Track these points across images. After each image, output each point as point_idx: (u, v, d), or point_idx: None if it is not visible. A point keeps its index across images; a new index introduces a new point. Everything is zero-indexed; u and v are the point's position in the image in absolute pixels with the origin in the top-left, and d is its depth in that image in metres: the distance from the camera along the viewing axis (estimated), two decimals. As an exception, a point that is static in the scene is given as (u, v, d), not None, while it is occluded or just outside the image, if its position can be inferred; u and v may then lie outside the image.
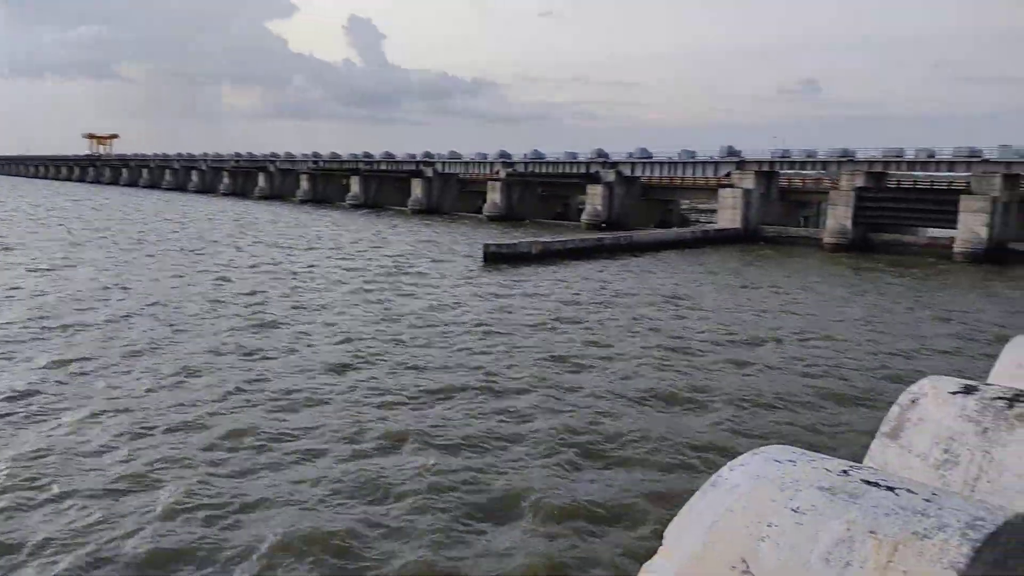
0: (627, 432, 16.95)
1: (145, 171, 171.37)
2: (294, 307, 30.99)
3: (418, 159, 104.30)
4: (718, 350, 25.24)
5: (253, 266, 43.58)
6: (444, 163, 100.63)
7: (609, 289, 38.11)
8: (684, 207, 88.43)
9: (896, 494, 2.15)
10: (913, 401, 3.19)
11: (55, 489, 13.53)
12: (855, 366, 23.57)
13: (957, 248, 54.88)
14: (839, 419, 18.32)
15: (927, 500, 2.11)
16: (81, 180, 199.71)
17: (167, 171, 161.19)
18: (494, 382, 20.66)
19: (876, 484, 2.22)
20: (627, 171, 79.43)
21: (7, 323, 26.36)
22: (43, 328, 25.71)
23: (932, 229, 60.62)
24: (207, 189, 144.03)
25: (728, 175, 70.64)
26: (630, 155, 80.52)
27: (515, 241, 52.25)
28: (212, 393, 19.12)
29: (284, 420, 17.33)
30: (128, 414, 17.45)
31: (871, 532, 2.01)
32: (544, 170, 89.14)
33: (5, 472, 14.16)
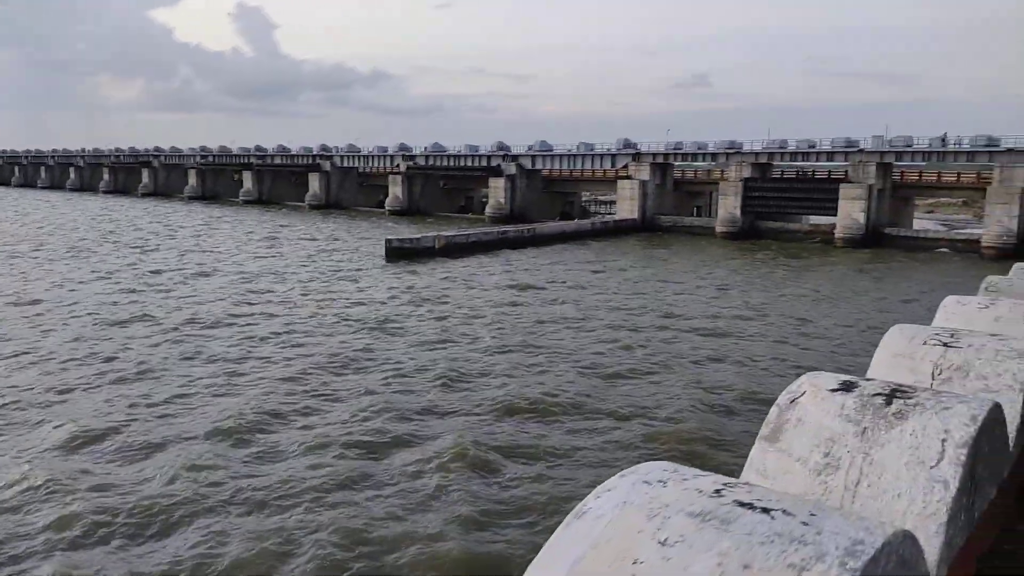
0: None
1: (17, 169, 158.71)
2: (187, 319, 29.31)
3: (315, 153, 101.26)
4: (615, 336, 25.59)
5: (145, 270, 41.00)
6: (343, 157, 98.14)
7: (516, 281, 38.08)
8: (585, 199, 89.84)
9: (772, 517, 1.94)
10: (792, 401, 3.04)
11: None
12: (746, 354, 24.42)
13: (838, 234, 58.13)
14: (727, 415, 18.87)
15: (804, 523, 1.90)
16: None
17: (42, 168, 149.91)
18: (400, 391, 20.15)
19: (751, 506, 2.00)
20: (528, 164, 79.84)
21: None
22: None
23: (814, 216, 64.03)
24: (86, 187, 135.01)
25: (625, 167, 72.19)
26: (530, 148, 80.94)
27: (418, 236, 51.47)
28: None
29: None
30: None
31: (745, 567, 1.78)
32: (445, 163, 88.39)
33: None
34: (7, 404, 18.09)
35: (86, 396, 18.77)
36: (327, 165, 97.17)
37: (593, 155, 76.77)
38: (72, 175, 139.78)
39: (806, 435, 2.87)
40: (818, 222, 63.18)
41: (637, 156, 71.66)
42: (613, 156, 74.50)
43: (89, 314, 28.32)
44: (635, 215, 68.27)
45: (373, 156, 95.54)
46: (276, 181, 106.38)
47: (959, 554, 2.58)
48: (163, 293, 33.22)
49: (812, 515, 1.95)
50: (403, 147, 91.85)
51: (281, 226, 69.40)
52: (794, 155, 66.28)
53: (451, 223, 72.08)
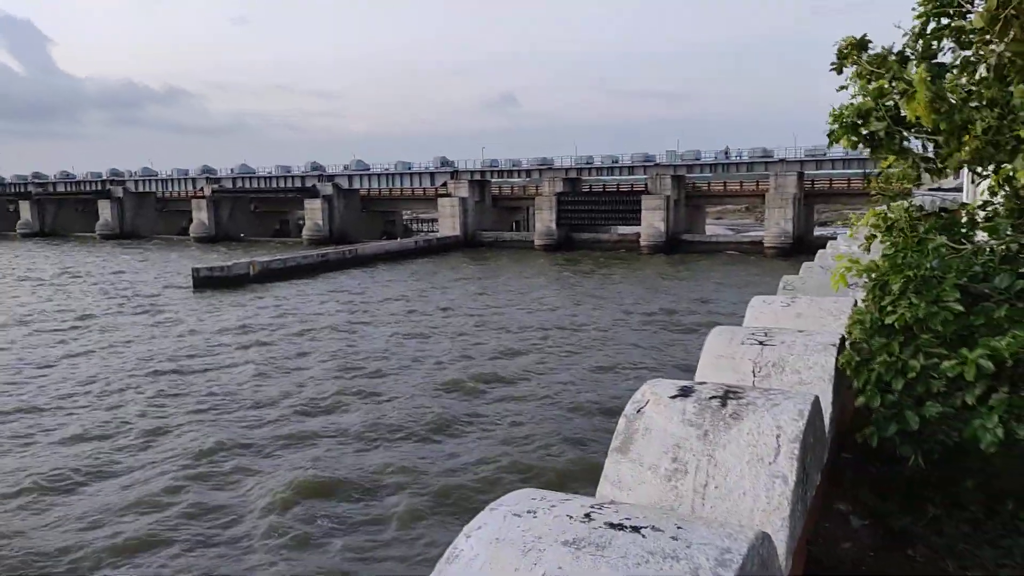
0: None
1: None
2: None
3: (105, 178, 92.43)
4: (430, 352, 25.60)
5: None
6: (137, 181, 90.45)
7: (346, 303, 36.96)
8: (406, 218, 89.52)
9: (643, 536, 1.94)
10: (638, 411, 3.13)
11: None
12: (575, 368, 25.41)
13: (642, 241, 62.45)
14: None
15: (674, 538, 1.93)
16: None
17: None
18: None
19: (621, 527, 1.99)
20: (345, 184, 78.17)
21: None
22: None
23: (622, 226, 68.41)
24: None
25: (444, 185, 72.92)
26: (346, 167, 79.37)
27: (229, 263, 48.38)
28: None
29: None
30: None
31: (626, 592, 1.76)
32: (256, 185, 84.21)
33: None
34: None
35: None
36: (119, 191, 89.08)
37: (412, 173, 76.79)
38: None
39: (654, 443, 2.95)
40: (625, 231, 67.53)
41: (455, 174, 72.65)
42: (432, 174, 74.96)
43: None
44: (457, 232, 69.07)
45: (173, 180, 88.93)
46: (60, 210, 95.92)
47: (798, 542, 2.77)
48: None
49: (679, 528, 1.98)
50: (207, 169, 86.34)
51: (68, 260, 62.42)
52: (600, 170, 70.44)
53: (266, 248, 68.73)
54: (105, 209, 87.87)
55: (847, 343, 3.97)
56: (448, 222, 70.19)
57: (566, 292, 41.24)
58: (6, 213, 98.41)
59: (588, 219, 67.41)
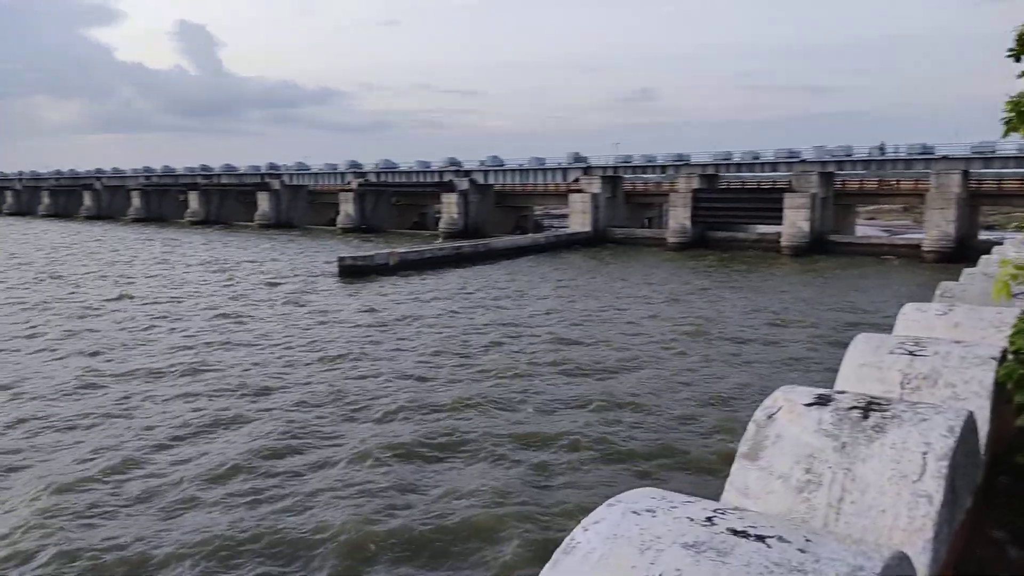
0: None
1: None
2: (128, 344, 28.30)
3: (263, 171, 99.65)
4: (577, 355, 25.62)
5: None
6: (292, 175, 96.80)
7: (471, 297, 37.91)
8: (537, 212, 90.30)
9: (768, 546, 1.88)
10: (769, 417, 3.01)
11: None
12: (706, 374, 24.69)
13: (784, 242, 59.51)
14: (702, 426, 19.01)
15: (801, 551, 1.85)
16: None
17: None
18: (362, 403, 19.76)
19: (745, 534, 1.93)
20: (480, 179, 79.93)
21: None
22: None
23: (761, 225, 65.51)
24: (24, 211, 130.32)
25: (576, 180, 72.84)
26: (482, 163, 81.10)
27: (371, 253, 50.91)
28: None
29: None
30: None
31: (746, 601, 1.71)
32: (397, 179, 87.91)
33: None
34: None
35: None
36: (276, 184, 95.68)
37: (544, 169, 77.31)
38: (9, 199, 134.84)
39: (786, 452, 2.83)
40: (764, 231, 64.62)
41: (588, 170, 72.40)
42: (564, 170, 75.12)
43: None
44: (588, 228, 68.85)
45: (323, 173, 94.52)
46: (224, 201, 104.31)
47: (942, 567, 2.57)
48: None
49: (808, 541, 1.90)
50: (354, 164, 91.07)
51: (230, 246, 67.95)
52: (739, 166, 67.79)
53: (405, 239, 71.59)
54: (263, 200, 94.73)
55: (1009, 356, 3.62)
56: (579, 218, 70.09)
57: (698, 292, 40.11)
58: (177, 203, 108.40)
59: (725, 217, 65.11)
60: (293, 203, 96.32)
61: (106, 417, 18.70)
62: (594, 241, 67.47)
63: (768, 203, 62.98)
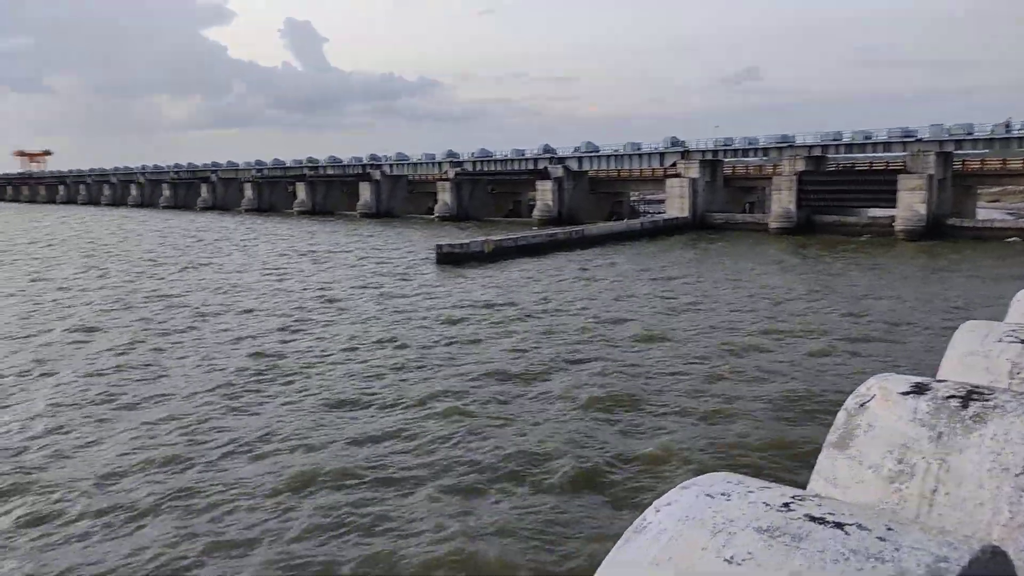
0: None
1: (83, 187, 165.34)
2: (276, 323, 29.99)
3: (365, 162, 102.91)
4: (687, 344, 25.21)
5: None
6: (392, 165, 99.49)
7: (565, 282, 37.93)
8: (633, 198, 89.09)
9: (846, 532, 1.83)
10: (861, 405, 2.90)
11: None
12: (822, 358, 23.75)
13: (898, 226, 56.25)
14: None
15: (881, 539, 1.79)
16: (15, 200, 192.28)
17: (105, 186, 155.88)
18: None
19: (823, 520, 1.89)
20: (575, 165, 79.60)
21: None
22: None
23: (873, 209, 62.12)
24: (147, 203, 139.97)
25: (674, 165, 71.32)
26: (577, 149, 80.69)
27: (467, 240, 51.74)
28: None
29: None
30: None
31: (818, 586, 1.68)
32: (493, 168, 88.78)
33: None
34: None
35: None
36: (377, 174, 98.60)
37: (640, 154, 76.11)
38: (133, 192, 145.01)
39: (878, 441, 2.72)
40: (876, 214, 61.27)
41: (686, 154, 70.73)
42: (661, 155, 73.70)
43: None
44: (685, 213, 67.36)
45: (421, 163, 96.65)
46: (328, 191, 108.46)
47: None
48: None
49: (889, 530, 1.84)
50: (451, 154, 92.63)
51: (335, 234, 70.67)
52: (849, 147, 64.45)
53: (500, 227, 72.30)
54: (365, 190, 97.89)
55: None
56: (676, 203, 68.64)
57: (804, 278, 38.54)
58: (285, 194, 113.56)
59: (832, 200, 62.14)
60: (393, 193, 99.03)
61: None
62: (692, 227, 65.95)
63: (881, 185, 59.65)
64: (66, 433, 17.23)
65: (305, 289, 37.86)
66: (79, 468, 15.19)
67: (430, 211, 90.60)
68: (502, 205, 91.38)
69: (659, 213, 76.14)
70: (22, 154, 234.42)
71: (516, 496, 13.49)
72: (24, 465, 15.46)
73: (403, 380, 20.85)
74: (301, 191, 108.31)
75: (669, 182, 69.93)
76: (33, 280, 43.18)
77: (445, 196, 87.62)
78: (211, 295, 36.44)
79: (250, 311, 31.94)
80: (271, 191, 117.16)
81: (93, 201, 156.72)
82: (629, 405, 18.26)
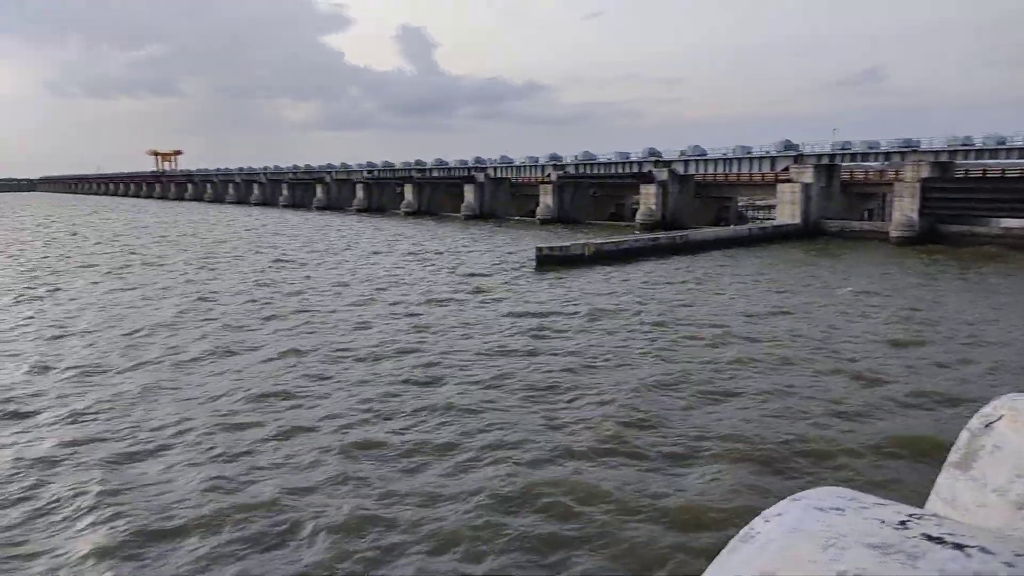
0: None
1: (209, 186, 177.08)
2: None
3: (469, 165, 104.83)
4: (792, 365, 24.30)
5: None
6: (495, 168, 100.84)
7: (669, 289, 37.29)
8: (741, 204, 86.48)
9: (967, 555, 1.76)
10: (987, 425, 2.74)
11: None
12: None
13: (1035, 238, 51.95)
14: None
15: (1008, 564, 1.71)
16: (148, 196, 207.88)
17: (230, 185, 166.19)
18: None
19: (942, 541, 1.82)
20: (680, 169, 78.07)
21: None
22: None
23: (1006, 219, 57.59)
24: (267, 202, 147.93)
25: (786, 169, 68.68)
26: (683, 153, 79.12)
27: (567, 243, 51.76)
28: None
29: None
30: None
31: (935, 608, 1.63)
32: (595, 171, 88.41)
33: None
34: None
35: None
36: (481, 177, 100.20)
37: (750, 158, 73.75)
38: (256, 191, 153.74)
39: (1005, 463, 2.57)
40: (1010, 225, 56.78)
41: (799, 158, 67.97)
42: (772, 158, 71.15)
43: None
44: (797, 220, 64.73)
45: (524, 166, 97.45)
46: (434, 193, 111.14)
47: None
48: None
49: (1018, 555, 1.75)
50: (554, 157, 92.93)
51: (438, 236, 72.36)
52: (980, 152, 60.06)
53: (601, 231, 71.88)
54: (469, 192, 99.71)
55: None
56: (787, 209, 66.06)
57: (939, 297, 36.24)
58: (394, 194, 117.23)
59: (960, 209, 58.02)
60: (496, 195, 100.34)
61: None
62: (804, 234, 63.29)
63: (1016, 193, 55.25)
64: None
65: (410, 287, 38.95)
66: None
67: (532, 213, 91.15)
68: (604, 208, 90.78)
69: (768, 219, 73.53)
70: (155, 153, 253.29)
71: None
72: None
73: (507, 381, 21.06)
74: (408, 192, 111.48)
75: (780, 187, 67.40)
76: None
77: (547, 199, 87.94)
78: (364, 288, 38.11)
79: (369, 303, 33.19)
80: (381, 192, 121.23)
81: (218, 199, 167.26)
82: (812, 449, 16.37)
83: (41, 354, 24.84)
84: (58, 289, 39.65)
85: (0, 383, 21.30)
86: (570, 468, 14.68)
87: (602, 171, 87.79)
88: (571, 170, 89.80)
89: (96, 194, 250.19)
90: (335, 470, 14.73)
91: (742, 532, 2.06)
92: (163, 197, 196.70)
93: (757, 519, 2.11)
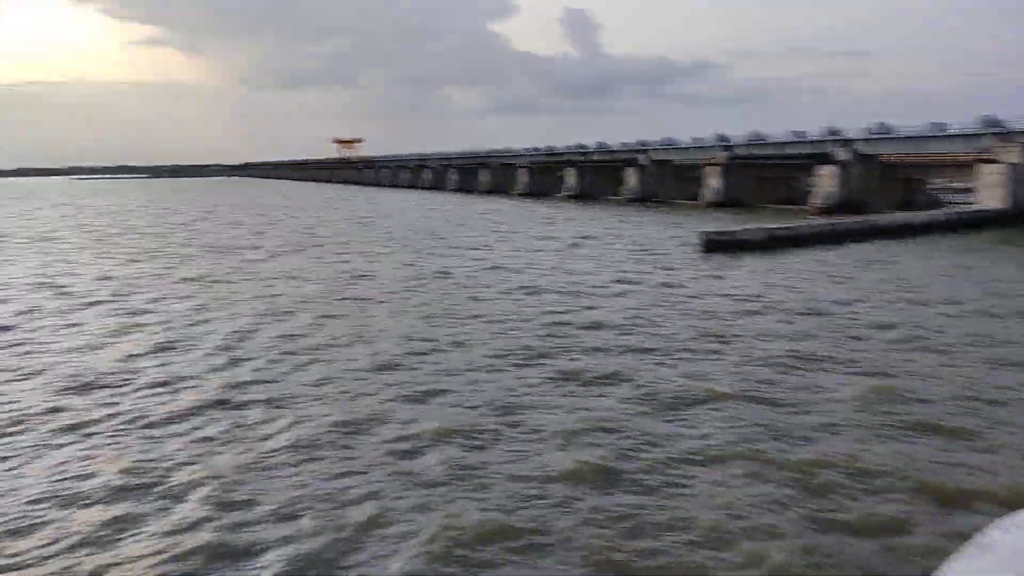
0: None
1: (385, 171, 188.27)
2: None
3: (632, 147, 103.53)
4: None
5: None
6: (658, 150, 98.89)
7: (849, 281, 34.92)
8: (934, 186, 78.89)
9: None
10: None
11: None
12: None
13: None
14: None
15: None
16: (329, 181, 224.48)
17: (403, 171, 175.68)
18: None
19: None
20: (863, 149, 72.48)
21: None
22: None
23: None
24: (437, 186, 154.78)
25: (989, 149, 61.76)
26: (867, 130, 73.40)
27: (736, 228, 49.88)
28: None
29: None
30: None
31: None
32: (766, 152, 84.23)
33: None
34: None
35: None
36: (644, 159, 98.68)
37: (945, 136, 67.05)
38: (426, 176, 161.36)
39: None
40: None
41: (1006, 135, 60.85)
42: (972, 136, 64.21)
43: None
44: (1002, 204, 58.12)
45: (689, 148, 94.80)
46: (595, 177, 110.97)
47: None
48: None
49: None
50: (721, 137, 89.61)
51: (600, 219, 72.27)
52: None
53: (771, 215, 68.50)
54: (630, 176, 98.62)
55: None
56: (990, 192, 59.43)
57: None
58: (556, 178, 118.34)
59: None
60: (659, 178, 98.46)
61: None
62: (1010, 220, 56.69)
63: None
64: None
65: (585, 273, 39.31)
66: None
67: (696, 197, 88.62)
68: (775, 192, 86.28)
69: (966, 203, 66.60)
70: (338, 141, 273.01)
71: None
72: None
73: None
74: (570, 176, 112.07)
75: (981, 168, 60.71)
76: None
77: (713, 181, 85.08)
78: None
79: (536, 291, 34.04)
80: (543, 176, 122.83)
81: (394, 183, 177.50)
82: None
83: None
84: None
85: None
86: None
87: (774, 152, 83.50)
88: (740, 151, 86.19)
89: (286, 179, 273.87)
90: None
91: (976, 539, 2.11)
92: (344, 182, 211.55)
93: (990, 527, 2.15)
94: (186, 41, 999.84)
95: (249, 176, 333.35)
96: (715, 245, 46.36)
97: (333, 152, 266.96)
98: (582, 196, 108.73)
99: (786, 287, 33.22)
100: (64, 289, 35.89)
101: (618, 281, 35.57)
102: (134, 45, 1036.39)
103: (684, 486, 13.01)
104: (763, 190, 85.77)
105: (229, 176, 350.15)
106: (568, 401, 17.63)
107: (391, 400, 17.93)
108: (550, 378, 19.42)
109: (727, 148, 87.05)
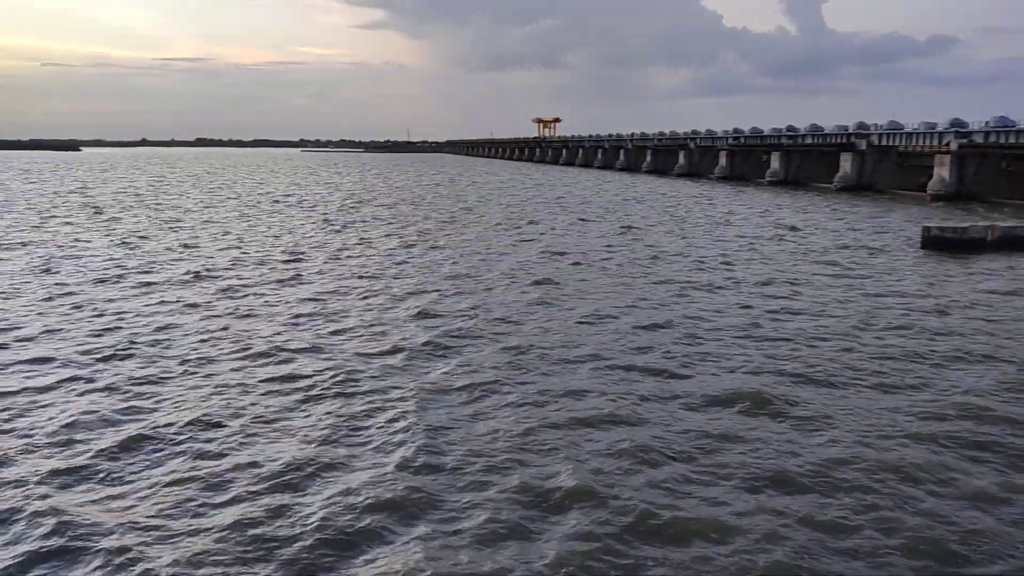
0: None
1: (580, 151, 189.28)
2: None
3: (850, 131, 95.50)
4: None
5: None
6: (881, 135, 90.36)
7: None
8: None
9: None
10: None
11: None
12: None
13: None
14: None
15: None
16: (528, 160, 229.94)
17: (599, 151, 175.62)
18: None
19: None
20: None
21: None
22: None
23: None
24: (631, 167, 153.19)
25: None
26: None
27: (965, 224, 44.53)
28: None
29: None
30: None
31: None
32: (1013, 140, 73.90)
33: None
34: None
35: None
36: (862, 144, 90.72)
37: None
38: (621, 157, 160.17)
39: None
40: None
41: None
42: None
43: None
44: None
45: (917, 133, 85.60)
46: (804, 162, 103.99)
47: None
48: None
49: None
50: (956, 122, 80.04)
51: (807, 209, 67.83)
52: None
53: (1012, 212, 60.27)
54: (846, 161, 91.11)
55: None
56: None
57: None
58: (758, 163, 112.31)
59: None
60: (878, 165, 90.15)
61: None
62: None
63: None
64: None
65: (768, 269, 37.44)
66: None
67: (922, 188, 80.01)
68: (1020, 186, 75.77)
69: None
70: (539, 121, 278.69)
71: None
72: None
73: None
74: (775, 161, 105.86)
75: None
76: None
77: (942, 171, 76.27)
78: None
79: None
80: (744, 160, 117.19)
81: (587, 164, 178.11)
82: None
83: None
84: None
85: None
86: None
87: (1022, 140, 73.10)
88: (978, 138, 76.42)
89: (485, 156, 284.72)
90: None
91: None
92: (541, 161, 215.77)
93: None
94: (409, 24, 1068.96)
95: (451, 153, 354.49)
96: (937, 241, 41.76)
97: (533, 131, 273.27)
98: (787, 182, 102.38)
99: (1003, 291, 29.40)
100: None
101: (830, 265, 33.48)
102: (359, 28, 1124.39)
103: None
104: (1006, 184, 75.55)
105: (433, 153, 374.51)
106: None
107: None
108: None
109: (964, 135, 77.59)
